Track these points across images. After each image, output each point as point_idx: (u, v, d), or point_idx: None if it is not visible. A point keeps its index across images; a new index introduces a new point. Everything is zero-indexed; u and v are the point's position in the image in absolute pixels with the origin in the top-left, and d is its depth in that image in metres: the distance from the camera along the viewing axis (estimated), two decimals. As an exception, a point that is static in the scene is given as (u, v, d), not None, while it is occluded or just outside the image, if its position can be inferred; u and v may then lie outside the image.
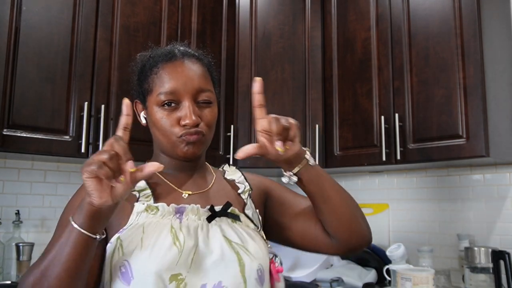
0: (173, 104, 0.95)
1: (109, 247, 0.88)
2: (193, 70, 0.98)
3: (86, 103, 1.87)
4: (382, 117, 2.12)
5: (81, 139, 1.84)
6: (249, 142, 2.37)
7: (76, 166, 2.20)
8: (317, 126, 2.37)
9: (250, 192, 1.05)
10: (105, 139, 1.93)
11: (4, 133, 1.69)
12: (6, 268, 1.93)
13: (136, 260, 0.83)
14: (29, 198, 2.07)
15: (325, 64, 2.47)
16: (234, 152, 2.33)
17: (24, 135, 1.73)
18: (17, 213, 1.97)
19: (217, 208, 0.95)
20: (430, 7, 2.02)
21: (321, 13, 2.51)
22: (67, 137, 1.84)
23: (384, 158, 2.09)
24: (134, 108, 1.02)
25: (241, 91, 2.44)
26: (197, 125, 0.94)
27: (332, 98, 2.40)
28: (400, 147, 2.04)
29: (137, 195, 0.93)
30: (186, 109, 0.94)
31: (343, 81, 2.37)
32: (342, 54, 2.39)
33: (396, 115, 2.06)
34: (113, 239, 0.88)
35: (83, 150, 1.84)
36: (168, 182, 0.99)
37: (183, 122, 0.94)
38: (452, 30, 1.92)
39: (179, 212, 0.92)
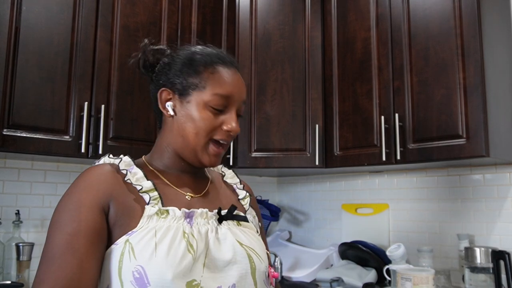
0: (221, 108, 0.96)
1: (116, 248, 0.85)
2: (242, 81, 1.02)
3: (86, 103, 1.87)
4: (382, 117, 2.12)
5: (81, 139, 1.84)
6: (249, 141, 2.37)
7: (76, 166, 2.20)
8: (317, 126, 2.37)
9: (250, 198, 1.08)
10: (105, 139, 1.93)
11: (4, 133, 1.69)
12: (6, 268, 1.93)
13: (151, 266, 0.82)
14: (29, 198, 2.07)
15: (325, 64, 2.46)
16: (233, 152, 2.33)
17: (24, 135, 1.73)
18: (17, 213, 1.97)
19: (223, 211, 0.96)
20: (430, 7, 2.02)
21: (321, 13, 2.51)
22: (67, 137, 1.84)
23: (384, 158, 2.09)
24: (158, 96, 1.00)
25: (241, 91, 2.43)
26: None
27: (332, 98, 2.40)
28: (400, 147, 2.04)
29: (148, 197, 0.91)
30: (233, 116, 0.97)
31: (343, 81, 2.37)
32: (342, 54, 2.39)
33: (396, 115, 2.06)
34: (120, 241, 0.86)
35: (83, 150, 1.84)
36: (170, 183, 0.98)
37: (227, 127, 0.96)
38: (452, 30, 1.92)
39: (189, 217, 0.91)
